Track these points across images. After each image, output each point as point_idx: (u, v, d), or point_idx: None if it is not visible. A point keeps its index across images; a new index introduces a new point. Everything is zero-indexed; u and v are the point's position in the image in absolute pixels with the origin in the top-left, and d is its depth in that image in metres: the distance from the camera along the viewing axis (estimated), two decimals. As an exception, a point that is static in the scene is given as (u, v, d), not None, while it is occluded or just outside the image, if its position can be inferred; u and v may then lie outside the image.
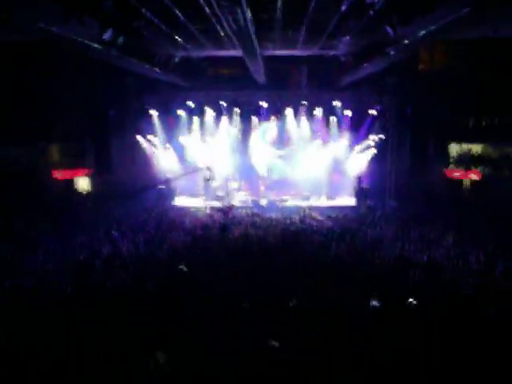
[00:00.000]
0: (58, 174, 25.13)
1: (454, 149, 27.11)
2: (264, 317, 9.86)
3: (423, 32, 13.35)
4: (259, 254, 15.23)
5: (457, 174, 26.43)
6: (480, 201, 23.29)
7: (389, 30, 14.27)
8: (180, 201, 27.03)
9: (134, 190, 24.15)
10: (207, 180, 23.49)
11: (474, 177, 25.90)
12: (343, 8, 13.41)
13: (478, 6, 10.05)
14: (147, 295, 11.50)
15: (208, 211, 23.57)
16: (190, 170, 25.65)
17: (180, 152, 27.61)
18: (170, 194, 26.40)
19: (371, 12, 13.53)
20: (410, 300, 10.78)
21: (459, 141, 26.78)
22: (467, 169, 26.10)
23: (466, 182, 26.24)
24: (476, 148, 26.15)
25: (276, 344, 8.78)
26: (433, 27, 12.66)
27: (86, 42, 14.28)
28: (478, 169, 25.76)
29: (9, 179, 20.67)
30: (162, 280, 12.56)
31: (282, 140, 28.38)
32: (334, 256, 15.27)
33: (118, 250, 16.03)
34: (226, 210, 22.27)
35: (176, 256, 15.16)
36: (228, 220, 20.76)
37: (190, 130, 27.66)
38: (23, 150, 22.41)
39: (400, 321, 9.89)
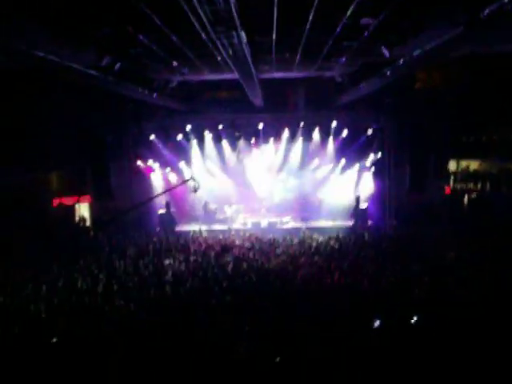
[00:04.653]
0: (58, 201, 25.07)
1: (454, 166, 27.16)
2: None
3: (418, 52, 13.42)
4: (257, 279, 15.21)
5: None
6: (479, 217, 23.30)
7: (384, 50, 14.39)
8: (180, 227, 26.97)
9: (126, 209, 24.00)
10: (194, 191, 23.59)
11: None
12: (338, 30, 13.50)
13: (472, 25, 10.10)
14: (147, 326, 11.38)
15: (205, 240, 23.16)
16: (177, 183, 25.71)
17: (180, 176, 27.52)
18: (171, 219, 26.37)
19: (366, 33, 13.63)
20: (414, 319, 10.74)
21: (459, 158, 26.83)
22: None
23: (466, 199, 26.25)
24: (475, 164, 26.19)
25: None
26: (427, 47, 12.72)
27: (82, 68, 14.31)
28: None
29: (9, 207, 20.63)
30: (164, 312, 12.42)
31: (282, 163, 28.45)
32: (338, 277, 15.21)
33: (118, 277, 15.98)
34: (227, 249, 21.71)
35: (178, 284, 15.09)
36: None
37: (189, 153, 27.73)
38: (22, 179, 22.36)
39: (404, 340, 9.84)
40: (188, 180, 23.95)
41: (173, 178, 27.66)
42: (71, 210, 25.88)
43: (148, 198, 25.82)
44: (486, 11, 9.36)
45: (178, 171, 27.64)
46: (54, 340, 10.40)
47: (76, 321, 11.76)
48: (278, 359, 8.96)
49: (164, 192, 25.49)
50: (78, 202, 26.22)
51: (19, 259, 17.95)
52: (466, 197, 26.32)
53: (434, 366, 8.73)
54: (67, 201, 25.47)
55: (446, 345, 9.41)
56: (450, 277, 14.65)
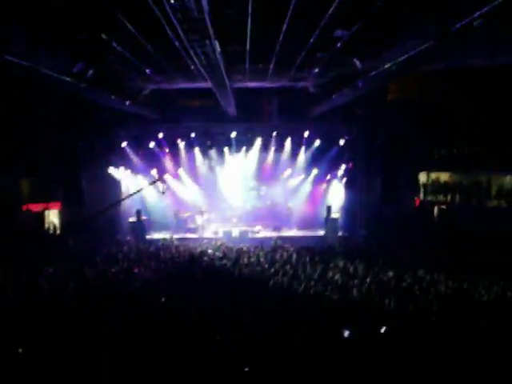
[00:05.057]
0: (27, 208, 24.77)
1: (425, 178, 27.47)
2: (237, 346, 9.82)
3: (390, 64, 13.57)
4: (227, 286, 15.18)
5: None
6: (449, 228, 23.55)
7: (356, 62, 14.54)
8: (151, 235, 26.80)
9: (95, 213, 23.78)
10: (162, 192, 23.52)
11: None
12: (311, 41, 13.61)
13: (443, 38, 10.26)
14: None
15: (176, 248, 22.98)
16: (147, 184, 25.68)
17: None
18: (141, 227, 26.13)
19: (339, 45, 13.76)
20: (384, 328, 10.76)
21: (430, 170, 27.15)
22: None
23: (436, 211, 26.55)
24: (446, 177, 26.52)
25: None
26: (399, 59, 12.87)
27: (55, 74, 14.19)
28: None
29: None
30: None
31: (254, 172, 28.51)
32: (306, 286, 15.22)
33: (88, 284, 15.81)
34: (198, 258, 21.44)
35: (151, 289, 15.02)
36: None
37: (161, 161, 27.57)
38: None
39: (374, 350, 9.87)
40: (156, 182, 23.97)
41: (144, 185, 27.48)
42: (40, 216, 25.58)
43: (116, 200, 25.64)
44: (458, 26, 9.53)
45: (150, 179, 27.43)
46: (20, 350, 10.19)
47: (46, 329, 11.60)
48: (246, 369, 8.93)
49: (132, 194, 25.37)
50: (48, 208, 25.96)
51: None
52: (436, 208, 26.62)
53: (403, 377, 8.78)
54: (36, 207, 25.18)
55: (416, 356, 9.46)
56: (420, 288, 14.79)
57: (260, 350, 9.67)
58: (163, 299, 13.83)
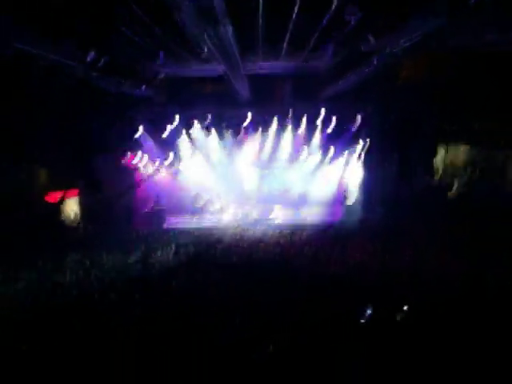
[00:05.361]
0: (45, 196, 24.85)
1: (441, 154, 27.25)
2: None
3: (403, 42, 13.44)
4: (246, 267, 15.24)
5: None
6: (464, 206, 23.39)
7: (371, 39, 14.40)
8: (169, 219, 26.87)
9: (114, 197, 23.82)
10: (175, 174, 23.60)
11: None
12: (324, 21, 13.50)
13: (454, 16, 10.12)
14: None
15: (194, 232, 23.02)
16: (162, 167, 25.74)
17: (168, 168, 27.34)
18: (160, 212, 26.20)
19: (352, 23, 13.63)
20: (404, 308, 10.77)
21: (445, 147, 26.92)
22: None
23: (451, 188, 26.37)
24: (460, 153, 26.29)
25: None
26: (413, 36, 12.74)
27: (67, 62, 14.17)
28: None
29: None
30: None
31: (270, 155, 28.46)
32: (325, 267, 15.24)
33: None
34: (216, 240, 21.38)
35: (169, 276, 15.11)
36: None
37: (177, 145, 27.56)
38: (10, 175, 22.10)
39: (392, 330, 9.87)
40: (170, 164, 24.01)
41: (161, 170, 27.51)
42: (59, 204, 25.69)
43: (132, 184, 25.65)
44: (470, 2, 9.40)
45: (166, 163, 27.45)
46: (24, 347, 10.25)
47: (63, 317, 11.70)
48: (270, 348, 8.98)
49: (146, 178, 25.50)
50: (65, 196, 26.06)
51: (5, 256, 17.78)
52: (452, 185, 26.44)
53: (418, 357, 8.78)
54: (54, 195, 25.27)
55: (433, 337, 9.46)
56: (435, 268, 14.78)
57: (279, 332, 9.72)
58: (174, 282, 14.00)
